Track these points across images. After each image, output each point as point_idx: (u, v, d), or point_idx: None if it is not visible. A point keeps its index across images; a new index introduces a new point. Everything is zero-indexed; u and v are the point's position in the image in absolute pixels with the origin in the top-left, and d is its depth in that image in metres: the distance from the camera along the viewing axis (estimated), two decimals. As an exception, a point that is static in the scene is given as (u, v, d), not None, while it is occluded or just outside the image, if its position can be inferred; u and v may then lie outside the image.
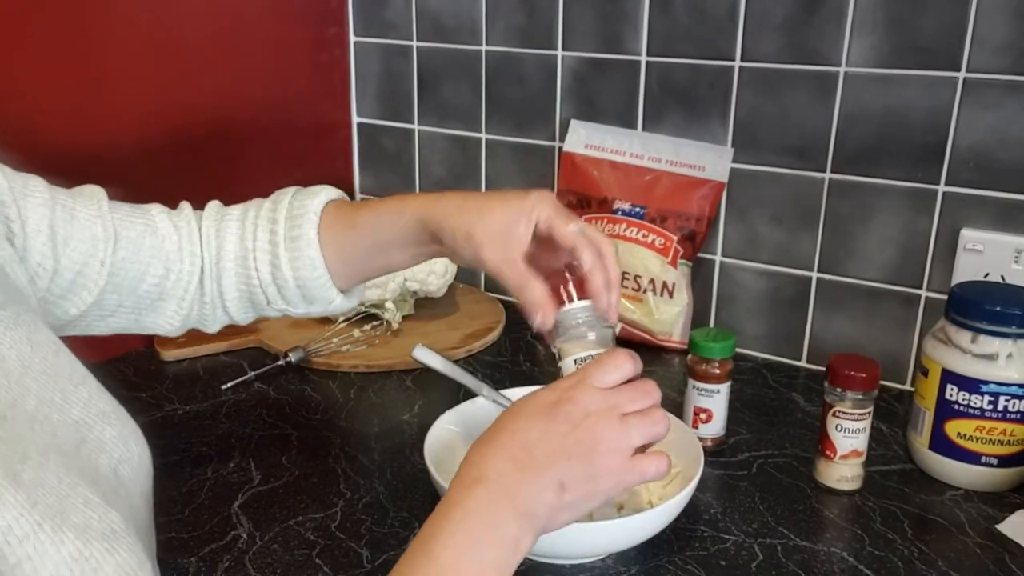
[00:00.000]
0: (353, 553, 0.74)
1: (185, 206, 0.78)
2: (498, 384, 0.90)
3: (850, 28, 0.99)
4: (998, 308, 0.80)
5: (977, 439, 0.82)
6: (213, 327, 0.79)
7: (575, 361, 0.67)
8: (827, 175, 1.05)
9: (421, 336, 1.13)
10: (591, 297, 0.68)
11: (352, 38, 1.37)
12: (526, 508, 0.54)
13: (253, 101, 1.23)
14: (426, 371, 1.01)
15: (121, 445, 0.54)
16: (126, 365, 1.07)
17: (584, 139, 1.20)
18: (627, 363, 0.60)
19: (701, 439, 0.85)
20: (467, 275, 1.34)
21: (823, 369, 0.84)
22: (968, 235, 0.97)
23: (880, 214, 1.03)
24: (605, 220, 1.17)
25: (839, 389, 0.81)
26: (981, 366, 0.81)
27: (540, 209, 0.68)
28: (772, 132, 1.07)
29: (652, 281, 1.14)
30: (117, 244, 0.70)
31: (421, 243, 0.73)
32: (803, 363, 1.12)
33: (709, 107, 1.11)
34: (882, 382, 0.91)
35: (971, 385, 0.81)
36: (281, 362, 1.06)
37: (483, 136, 1.30)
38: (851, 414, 0.81)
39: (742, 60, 1.07)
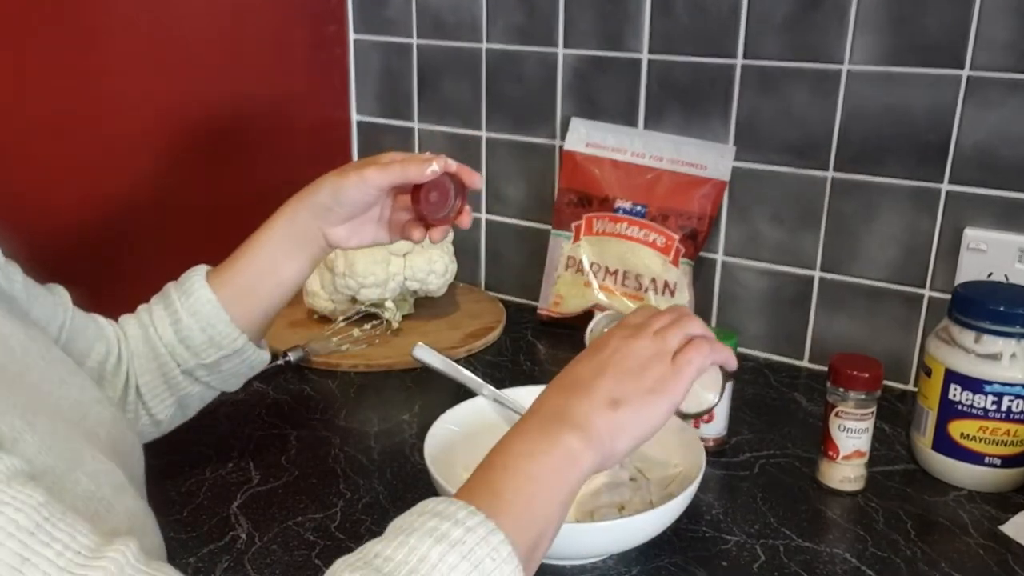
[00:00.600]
0: (353, 554, 0.73)
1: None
2: (498, 383, 0.90)
3: (852, 26, 0.99)
4: (1002, 308, 0.80)
5: (980, 439, 0.82)
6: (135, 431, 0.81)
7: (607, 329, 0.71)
8: (829, 174, 1.04)
9: (421, 335, 1.13)
10: (467, 176, 0.78)
11: (352, 36, 1.37)
12: (579, 423, 0.55)
13: (252, 99, 1.23)
14: (426, 370, 1.00)
15: (118, 426, 0.57)
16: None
17: (585, 137, 1.19)
18: (653, 308, 0.66)
19: (703, 439, 0.85)
20: (467, 274, 1.34)
21: (825, 369, 0.83)
22: (971, 234, 0.97)
23: (883, 213, 1.02)
24: (606, 219, 1.16)
25: (841, 389, 0.81)
26: (985, 366, 0.80)
27: (389, 154, 0.79)
28: (774, 131, 1.07)
29: (653, 280, 1.14)
30: (74, 317, 0.74)
31: (303, 236, 0.78)
32: (805, 363, 1.11)
33: (710, 105, 1.10)
34: (885, 382, 0.90)
35: (974, 385, 0.81)
36: (280, 361, 1.06)
37: (483, 134, 1.29)
38: (854, 414, 0.81)
39: (744, 58, 1.07)
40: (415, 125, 1.36)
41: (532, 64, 1.22)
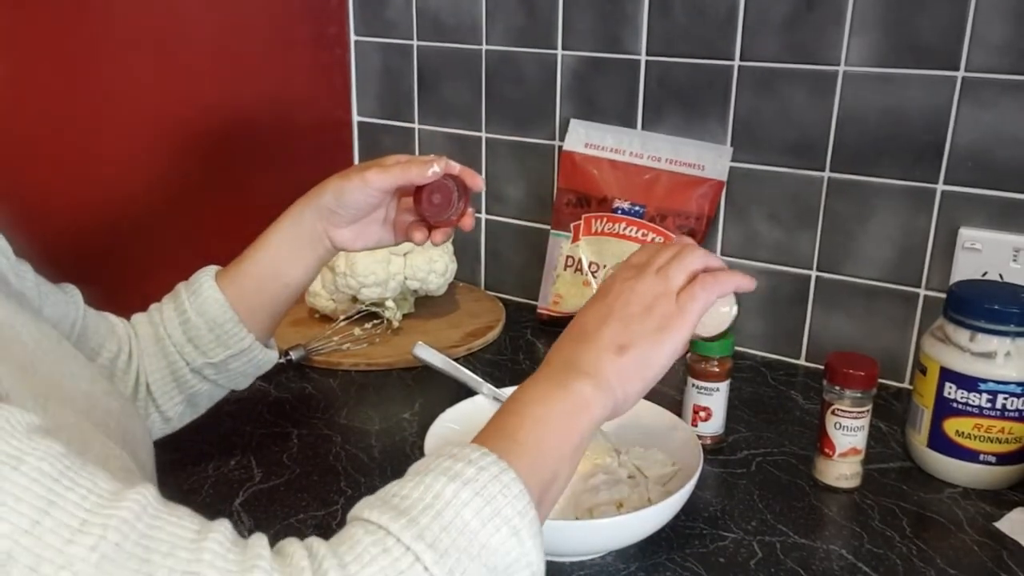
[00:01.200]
0: (354, 550, 0.74)
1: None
2: (498, 382, 0.90)
3: (849, 28, 1.00)
4: (996, 307, 0.80)
5: (975, 437, 0.83)
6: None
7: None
8: (826, 174, 1.05)
9: (421, 334, 1.13)
10: (469, 178, 0.78)
11: (352, 37, 1.38)
12: (588, 369, 0.56)
13: (254, 100, 1.23)
14: (426, 369, 1.01)
15: (127, 417, 0.58)
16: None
17: (584, 138, 1.20)
18: (655, 246, 0.66)
19: (700, 437, 0.85)
20: (467, 274, 1.34)
21: (822, 367, 0.84)
22: (966, 234, 0.97)
23: (879, 213, 1.03)
24: (605, 219, 1.17)
25: (838, 387, 0.82)
26: (979, 364, 0.81)
27: (393, 156, 0.80)
28: (771, 131, 1.08)
29: (652, 280, 1.14)
30: (86, 315, 0.75)
31: (308, 237, 0.79)
32: (802, 361, 1.12)
33: (708, 106, 1.11)
34: (881, 380, 0.91)
35: (969, 383, 0.82)
36: (282, 360, 1.06)
37: (483, 135, 1.30)
38: (850, 412, 0.82)
39: (741, 59, 1.07)
40: (415, 126, 1.36)
41: (531, 65, 1.23)
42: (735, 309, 0.67)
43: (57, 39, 0.97)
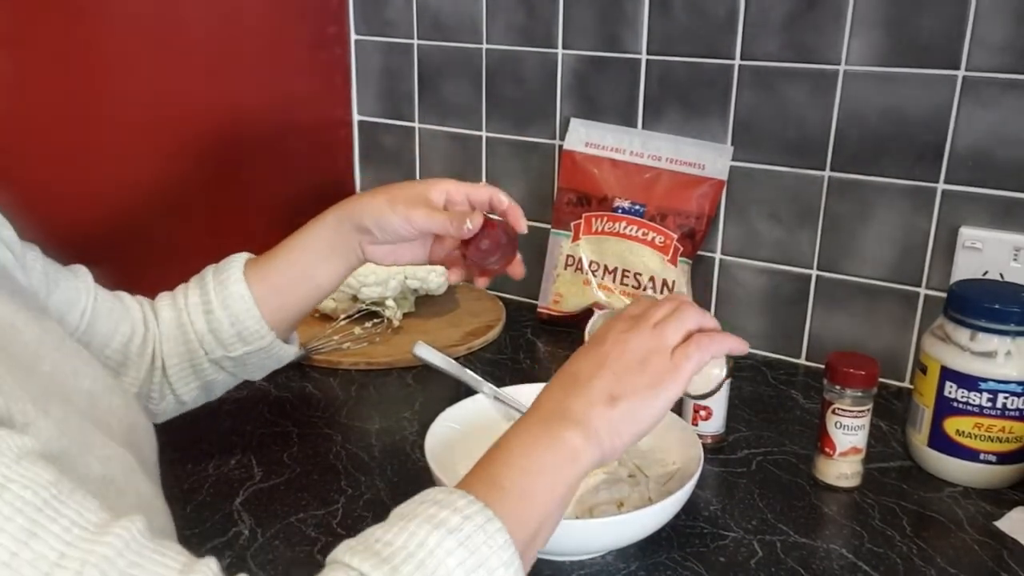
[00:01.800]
0: (354, 549, 0.74)
1: (137, 296, 0.82)
2: (498, 381, 0.90)
3: (849, 27, 1.00)
4: (997, 306, 0.80)
5: (976, 436, 0.83)
6: (160, 408, 0.81)
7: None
8: (826, 173, 1.05)
9: (422, 334, 1.13)
10: (514, 220, 0.78)
11: (353, 36, 1.38)
12: (578, 419, 0.56)
13: (254, 99, 1.23)
14: (427, 368, 1.01)
15: (130, 413, 0.58)
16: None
17: (584, 137, 1.20)
18: (652, 299, 0.66)
19: (701, 436, 0.85)
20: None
21: (822, 367, 0.84)
22: (967, 233, 0.97)
23: (879, 212, 1.03)
24: (605, 218, 1.17)
25: (838, 387, 0.82)
26: (980, 364, 0.81)
27: (447, 182, 0.79)
28: (771, 130, 1.07)
29: (652, 279, 1.14)
30: (96, 299, 0.75)
31: (342, 245, 0.78)
32: (802, 361, 1.12)
33: (709, 105, 1.11)
34: (881, 379, 0.91)
35: (970, 382, 0.82)
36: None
37: (483, 134, 1.30)
38: (850, 411, 0.82)
39: (741, 59, 1.07)
40: (416, 125, 1.36)
41: (532, 64, 1.23)
42: (725, 371, 0.68)
43: (57, 38, 0.97)
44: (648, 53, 1.14)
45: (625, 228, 1.16)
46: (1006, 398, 0.81)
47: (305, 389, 1.03)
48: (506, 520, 0.48)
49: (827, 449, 0.83)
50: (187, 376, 0.80)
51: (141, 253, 1.09)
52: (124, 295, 0.79)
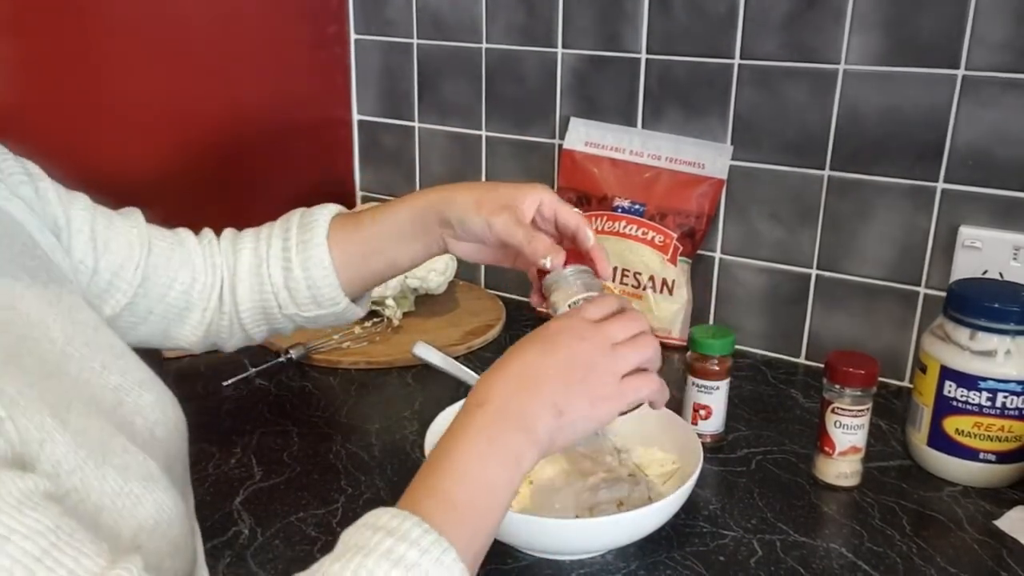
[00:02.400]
0: (354, 549, 0.74)
1: (207, 230, 0.82)
2: (498, 381, 0.90)
3: (849, 26, 1.00)
4: (996, 305, 0.80)
5: (975, 435, 0.83)
6: (230, 344, 0.82)
7: (568, 305, 0.69)
8: (826, 172, 1.05)
9: (421, 333, 1.13)
10: (598, 262, 0.72)
11: (353, 36, 1.38)
12: (525, 426, 0.56)
13: (254, 99, 1.23)
14: (426, 368, 1.01)
15: (158, 410, 0.58)
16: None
17: (584, 136, 1.20)
18: (616, 302, 0.65)
19: (700, 435, 0.85)
20: (467, 272, 1.34)
21: (822, 366, 0.84)
22: (967, 232, 0.97)
23: (879, 211, 1.03)
24: (605, 217, 1.17)
25: (838, 386, 0.82)
26: (979, 363, 0.81)
27: (543, 191, 0.75)
28: (771, 130, 1.08)
29: (652, 278, 1.14)
30: (151, 251, 0.75)
31: (425, 232, 0.77)
32: (802, 360, 1.12)
33: (708, 105, 1.11)
34: (881, 379, 0.91)
35: (969, 382, 0.82)
36: (282, 359, 1.07)
37: (483, 133, 1.30)
38: (850, 411, 0.82)
39: (741, 58, 1.07)
40: (416, 124, 1.36)
41: (531, 64, 1.23)
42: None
43: (56, 37, 0.97)
44: (648, 52, 1.14)
45: (625, 227, 1.16)
46: (1005, 397, 0.81)
47: (305, 388, 1.03)
48: (458, 542, 0.48)
49: (827, 448, 0.83)
50: (259, 321, 0.80)
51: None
52: (186, 236, 0.79)
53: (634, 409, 0.65)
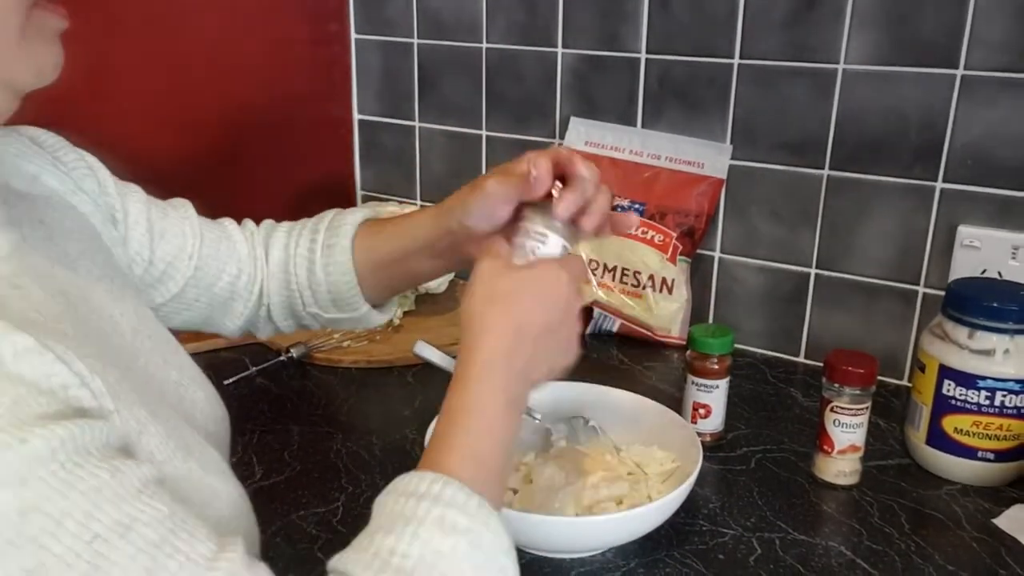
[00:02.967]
0: (355, 547, 0.74)
1: (248, 221, 0.83)
2: (498, 380, 0.90)
3: (848, 26, 1.00)
4: (995, 304, 0.81)
5: (974, 434, 0.83)
6: (263, 333, 0.83)
7: (562, 247, 0.66)
8: (825, 172, 1.05)
9: (422, 332, 1.13)
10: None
11: (353, 35, 1.38)
12: (530, 383, 0.59)
13: (254, 98, 1.24)
14: (427, 367, 1.01)
15: (208, 406, 0.60)
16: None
17: (584, 136, 1.20)
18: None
19: (700, 434, 0.86)
20: (468, 272, 1.34)
21: (821, 365, 0.84)
22: (965, 231, 0.98)
23: (878, 211, 1.03)
24: (605, 217, 1.17)
25: (837, 385, 0.82)
26: (978, 362, 0.81)
27: (538, 152, 0.68)
28: (771, 129, 1.08)
29: (651, 277, 1.15)
30: (203, 242, 0.76)
31: (449, 243, 0.73)
32: (801, 359, 1.12)
33: (708, 104, 1.11)
34: (880, 378, 0.91)
35: (968, 381, 0.82)
36: (283, 357, 1.07)
37: (483, 133, 1.30)
38: (849, 409, 0.82)
39: (741, 58, 1.07)
40: (416, 124, 1.37)
41: (531, 63, 1.23)
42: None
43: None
44: (648, 52, 1.14)
45: (625, 227, 1.16)
46: (1004, 396, 0.81)
47: (306, 387, 1.03)
48: (494, 501, 0.50)
49: (826, 447, 0.84)
50: (287, 315, 0.81)
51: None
52: (231, 227, 0.80)
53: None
